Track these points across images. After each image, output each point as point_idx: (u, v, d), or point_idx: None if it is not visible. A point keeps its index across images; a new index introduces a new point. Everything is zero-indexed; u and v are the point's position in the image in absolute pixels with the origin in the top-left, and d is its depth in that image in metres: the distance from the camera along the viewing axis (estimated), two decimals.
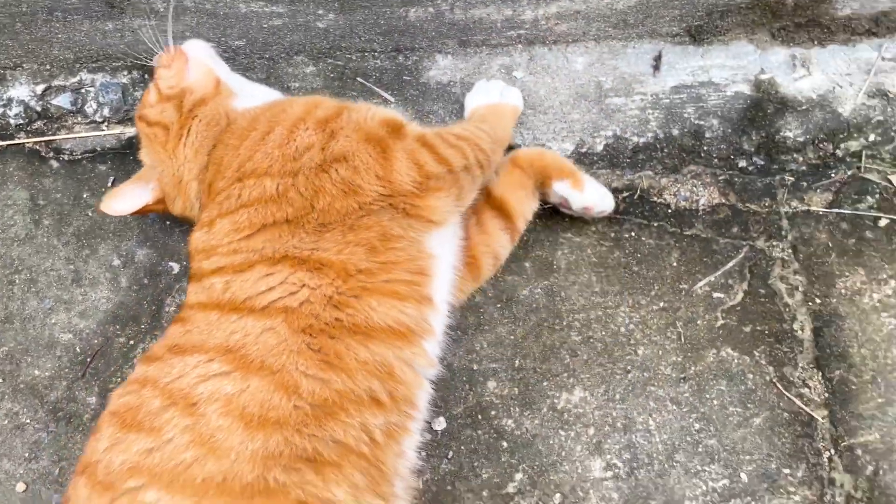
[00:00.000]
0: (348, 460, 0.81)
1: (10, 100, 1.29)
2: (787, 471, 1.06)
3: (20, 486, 1.07)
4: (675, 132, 1.25)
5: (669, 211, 1.22)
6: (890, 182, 1.22)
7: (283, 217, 0.90)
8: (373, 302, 0.87)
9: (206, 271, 0.90)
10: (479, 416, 1.09)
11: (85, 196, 1.24)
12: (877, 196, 1.21)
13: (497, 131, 1.10)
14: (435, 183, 0.94)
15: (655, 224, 1.21)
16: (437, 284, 0.96)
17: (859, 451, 1.07)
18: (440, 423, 1.08)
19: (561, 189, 1.12)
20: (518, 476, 1.06)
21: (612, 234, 1.20)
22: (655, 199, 1.23)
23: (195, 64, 1.05)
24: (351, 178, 0.91)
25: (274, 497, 0.77)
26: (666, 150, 1.25)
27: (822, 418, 1.09)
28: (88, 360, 1.13)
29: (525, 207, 1.13)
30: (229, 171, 0.95)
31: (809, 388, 1.11)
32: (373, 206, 0.91)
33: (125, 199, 1.03)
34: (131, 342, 1.13)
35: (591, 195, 1.13)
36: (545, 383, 1.10)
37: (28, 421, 1.10)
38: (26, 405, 1.11)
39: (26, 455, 1.08)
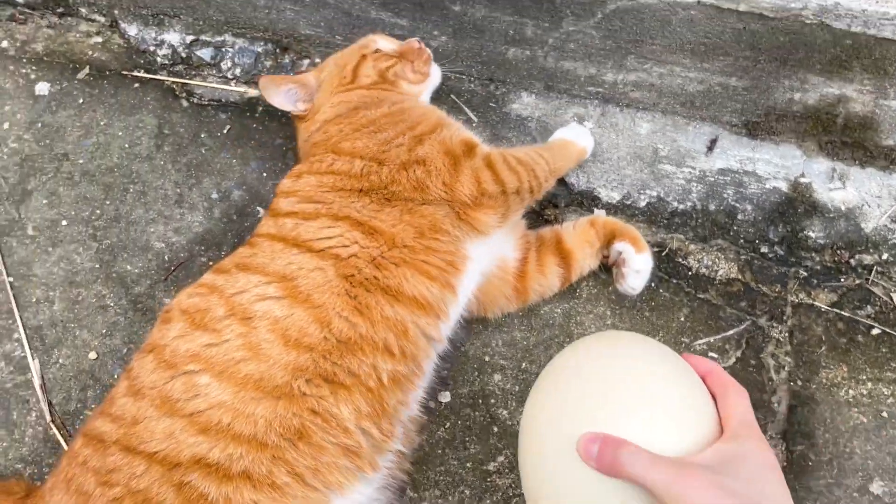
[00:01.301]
0: (357, 390, 0.99)
1: (162, 41, 1.53)
2: None
3: (92, 355, 1.27)
4: (712, 207, 1.41)
5: (690, 273, 1.38)
6: (891, 299, 1.35)
7: (359, 188, 1.09)
8: (408, 273, 1.06)
9: (282, 211, 1.11)
10: (480, 401, 1.25)
11: (202, 136, 1.45)
12: (876, 308, 1.34)
13: (557, 162, 1.28)
14: (488, 200, 1.13)
15: (675, 281, 1.37)
16: (463, 280, 1.14)
17: None
18: (445, 397, 1.25)
19: (622, 247, 1.28)
20: (500, 458, 1.21)
21: None
22: (680, 260, 1.39)
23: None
24: (423, 178, 1.11)
25: (294, 401, 0.95)
26: (700, 221, 1.41)
27: None
28: (172, 268, 1.33)
29: (585, 263, 1.30)
30: (332, 140, 1.16)
31: None
32: (433, 202, 1.10)
33: (281, 96, 1.28)
34: (210, 263, 1.33)
35: (645, 259, 1.28)
36: None
37: (111, 304, 1.31)
38: (113, 292, 1.32)
39: (103, 332, 1.29)
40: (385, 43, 1.36)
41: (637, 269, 1.27)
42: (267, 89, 1.26)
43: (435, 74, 1.37)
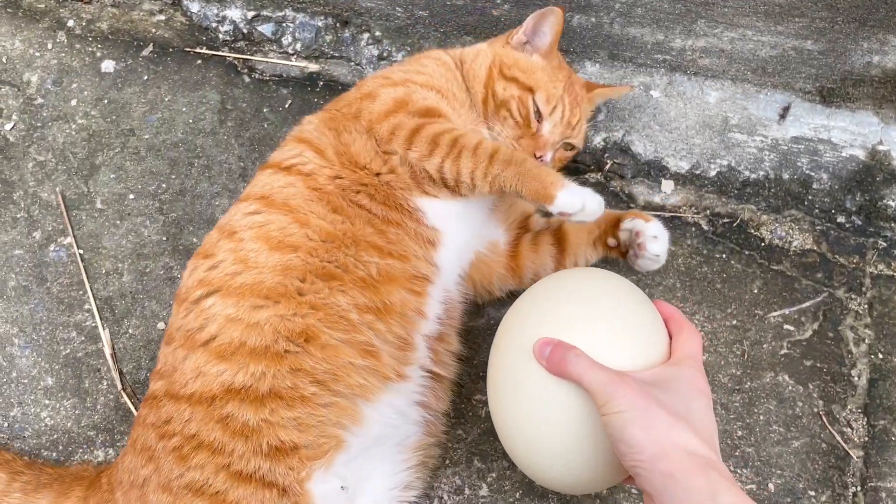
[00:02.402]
0: (351, 281, 1.01)
1: (224, 17, 1.53)
2: (812, 493, 1.16)
3: (161, 325, 1.28)
4: (786, 176, 1.37)
5: (762, 244, 1.33)
6: None
7: (334, 127, 1.12)
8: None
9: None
10: None
11: (265, 111, 1.45)
12: None
13: (506, 171, 1.10)
14: (391, 157, 1.10)
15: (747, 252, 1.32)
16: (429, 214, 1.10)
17: (883, 494, 1.15)
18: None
19: (630, 223, 1.15)
20: None
21: (705, 252, 1.32)
22: (752, 231, 1.34)
23: None
24: (361, 108, 1.13)
25: (292, 300, 0.97)
26: (773, 191, 1.36)
27: (857, 457, 1.18)
28: None
29: (580, 250, 1.21)
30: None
31: (852, 428, 1.20)
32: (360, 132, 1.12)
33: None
34: None
35: (659, 226, 1.14)
36: None
37: (179, 276, 1.31)
38: (180, 264, 1.32)
39: (171, 303, 1.30)
40: (542, 98, 1.18)
41: (654, 234, 1.13)
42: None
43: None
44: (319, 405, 0.95)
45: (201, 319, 0.98)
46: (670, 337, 0.95)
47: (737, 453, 1.18)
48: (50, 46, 1.51)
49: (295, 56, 1.52)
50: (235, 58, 1.51)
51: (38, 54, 1.51)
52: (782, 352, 1.25)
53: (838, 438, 1.19)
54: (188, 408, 0.94)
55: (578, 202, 0.98)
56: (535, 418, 0.93)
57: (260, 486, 0.92)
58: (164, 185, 1.39)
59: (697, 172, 1.38)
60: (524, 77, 1.17)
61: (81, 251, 1.33)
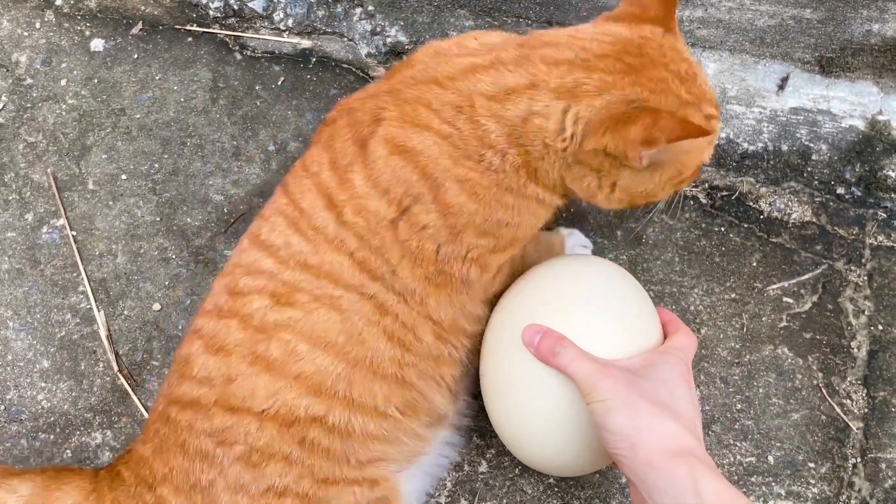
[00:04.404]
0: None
1: None
2: (811, 465, 1.16)
3: (156, 306, 1.27)
4: (784, 148, 1.35)
5: (761, 217, 1.32)
6: None
7: None
8: None
9: None
10: None
11: (257, 88, 1.44)
12: None
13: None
14: None
15: (745, 225, 1.31)
16: None
17: (883, 465, 1.15)
18: None
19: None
20: None
21: (703, 225, 1.31)
22: (751, 203, 1.33)
23: None
24: None
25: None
26: (771, 163, 1.35)
27: (857, 429, 1.17)
28: (233, 220, 1.32)
29: None
30: None
31: (852, 400, 1.19)
32: None
33: None
34: None
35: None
36: None
37: (173, 257, 1.30)
38: (174, 244, 1.31)
39: (166, 283, 1.29)
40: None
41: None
42: None
43: None
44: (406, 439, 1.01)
45: (286, 353, 0.93)
46: (665, 337, 0.97)
47: (736, 426, 1.18)
48: (38, 26, 1.49)
49: (287, 32, 1.50)
50: (227, 35, 1.49)
51: (26, 34, 1.48)
52: (781, 324, 1.24)
53: (838, 410, 1.19)
54: (254, 421, 0.92)
55: None
56: (524, 402, 0.95)
57: (348, 483, 0.95)
58: (156, 165, 1.37)
59: None
60: None
61: (74, 233, 1.32)
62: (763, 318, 1.25)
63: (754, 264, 1.29)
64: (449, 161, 0.89)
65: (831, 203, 1.33)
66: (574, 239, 1.23)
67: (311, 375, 0.93)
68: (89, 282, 1.28)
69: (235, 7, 1.50)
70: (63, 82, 1.44)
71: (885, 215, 1.31)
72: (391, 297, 0.95)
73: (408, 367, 0.97)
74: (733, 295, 1.26)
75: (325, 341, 0.94)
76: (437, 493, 1.15)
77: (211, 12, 1.51)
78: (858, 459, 1.16)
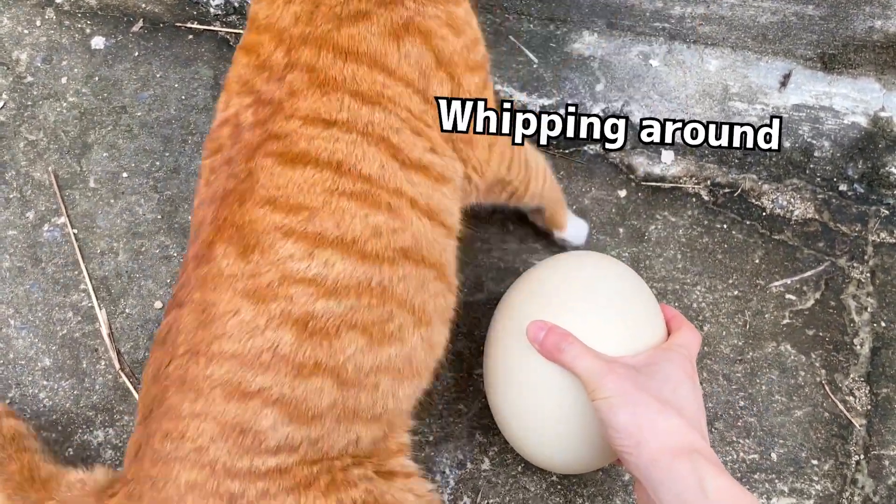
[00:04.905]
0: None
1: None
2: (815, 462, 1.15)
3: (157, 304, 1.27)
4: (787, 145, 1.35)
5: (764, 214, 1.32)
6: None
7: None
8: None
9: None
10: None
11: None
12: None
13: None
14: None
15: (748, 222, 1.31)
16: None
17: (886, 462, 1.15)
18: None
19: None
20: None
21: (706, 222, 1.31)
22: (753, 200, 1.33)
23: None
24: None
25: None
26: (774, 160, 1.35)
27: (860, 426, 1.17)
28: None
29: None
30: None
31: (855, 397, 1.19)
32: None
33: None
34: None
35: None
36: None
37: (175, 255, 1.30)
38: (176, 242, 1.31)
39: (168, 281, 1.29)
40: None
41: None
42: None
43: None
44: None
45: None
46: (669, 334, 0.97)
47: (739, 423, 1.18)
48: (38, 23, 1.49)
49: None
50: (227, 32, 1.49)
51: (26, 32, 1.48)
52: (784, 321, 1.24)
53: (841, 407, 1.19)
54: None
55: None
56: (528, 398, 0.95)
57: None
58: (157, 163, 1.37)
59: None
60: None
61: (76, 231, 1.32)
62: (766, 315, 1.24)
63: (757, 261, 1.29)
64: None
65: (834, 200, 1.32)
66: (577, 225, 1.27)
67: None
68: (91, 280, 1.28)
69: (236, 4, 1.50)
70: (64, 80, 1.44)
71: (887, 212, 1.31)
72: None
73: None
74: (736, 292, 1.26)
75: None
76: (440, 491, 1.15)
77: (212, 10, 1.50)
78: (861, 456, 1.16)
